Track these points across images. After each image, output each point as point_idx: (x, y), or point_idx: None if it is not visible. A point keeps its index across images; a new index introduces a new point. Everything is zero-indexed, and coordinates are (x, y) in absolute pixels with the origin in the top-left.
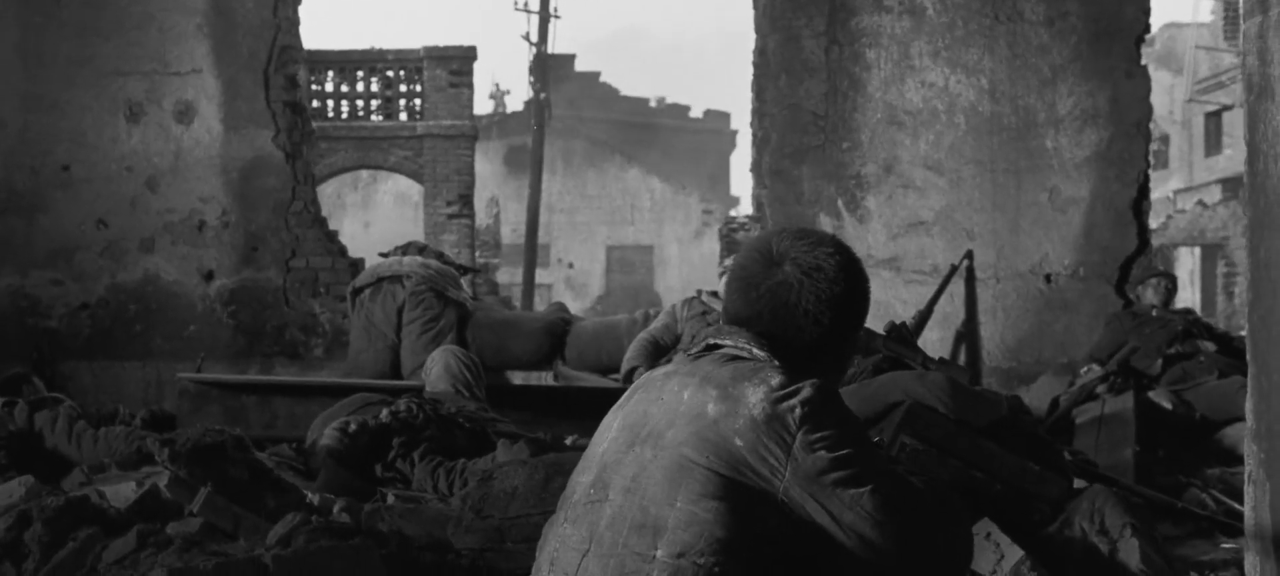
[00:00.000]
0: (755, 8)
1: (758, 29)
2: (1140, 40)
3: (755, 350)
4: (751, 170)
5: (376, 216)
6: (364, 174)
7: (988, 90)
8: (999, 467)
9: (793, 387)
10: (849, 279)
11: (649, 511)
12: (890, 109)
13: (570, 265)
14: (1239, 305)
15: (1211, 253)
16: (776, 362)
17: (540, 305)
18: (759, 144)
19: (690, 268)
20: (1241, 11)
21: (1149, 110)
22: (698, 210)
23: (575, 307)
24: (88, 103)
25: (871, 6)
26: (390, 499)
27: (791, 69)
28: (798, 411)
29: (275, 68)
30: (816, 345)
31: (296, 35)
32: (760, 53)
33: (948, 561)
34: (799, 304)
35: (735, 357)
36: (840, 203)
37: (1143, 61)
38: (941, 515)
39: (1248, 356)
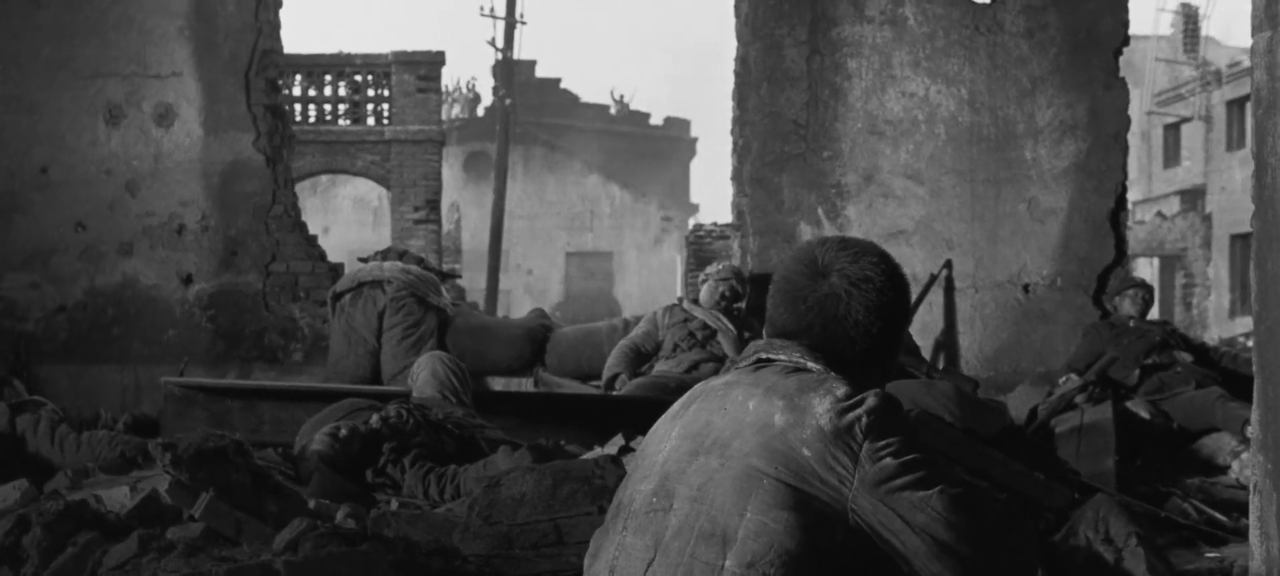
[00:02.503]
0: (737, 16)
1: (739, 38)
2: (1119, 52)
3: (811, 364)
4: (732, 178)
5: (336, 221)
6: (323, 178)
7: (968, 100)
8: (1005, 476)
9: (858, 397)
10: (895, 287)
11: (717, 521)
12: (871, 118)
13: (529, 271)
14: (1196, 315)
15: (1170, 264)
16: (834, 374)
17: (501, 311)
18: (740, 152)
19: (649, 274)
20: (1251, 27)
21: (1127, 122)
22: (657, 217)
23: None
24: (66, 105)
25: (853, 16)
26: (394, 504)
27: (773, 78)
28: (864, 421)
29: (256, 71)
30: (866, 354)
31: (278, 39)
32: (742, 61)
33: (1020, 561)
34: (848, 315)
35: (798, 369)
36: (820, 211)
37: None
38: (1009, 516)
39: (1254, 367)
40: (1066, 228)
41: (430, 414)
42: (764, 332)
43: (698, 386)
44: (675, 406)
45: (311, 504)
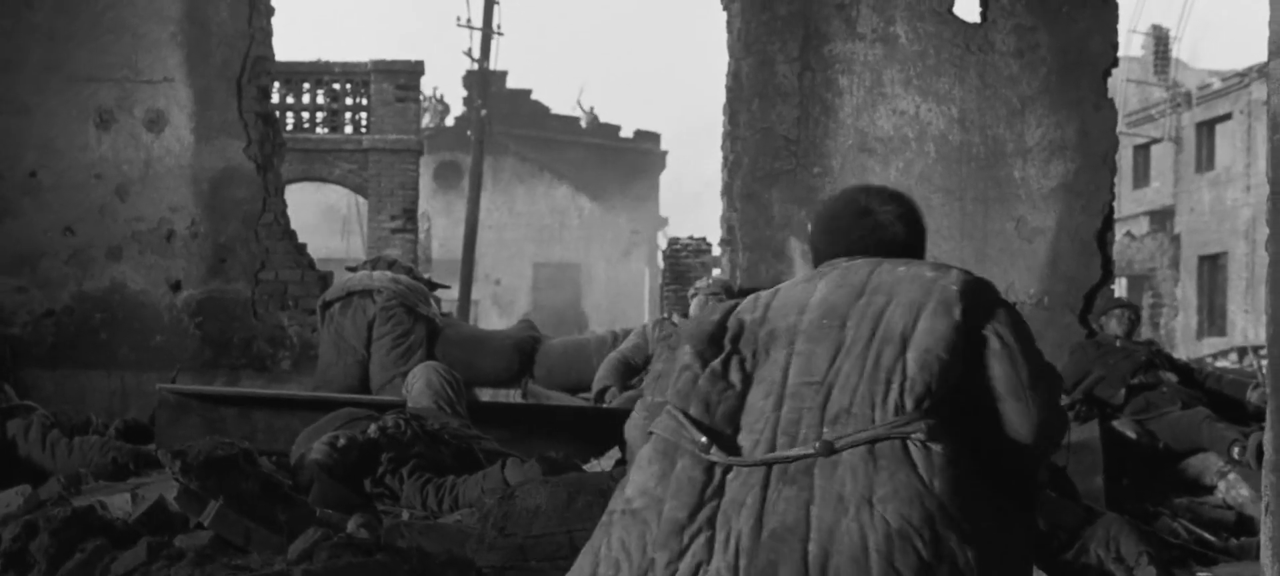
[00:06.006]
0: (729, 32)
1: (732, 53)
2: (1108, 73)
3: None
4: (722, 193)
5: (302, 230)
6: (290, 186)
7: (958, 119)
8: None
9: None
10: (918, 213)
11: (894, 329)
12: (861, 135)
13: (497, 282)
14: (1164, 336)
15: (1138, 283)
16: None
17: (469, 322)
18: (731, 167)
19: (617, 286)
20: (1268, 51)
21: (1115, 142)
22: (626, 230)
23: (501, 325)
24: (57, 109)
25: (845, 33)
26: (406, 515)
27: (764, 93)
28: (984, 286)
29: (248, 78)
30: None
31: (269, 46)
32: (733, 77)
33: (1057, 409)
34: (895, 238)
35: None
36: (810, 227)
37: None
38: (1059, 380)
39: (1268, 389)
40: (1054, 247)
41: (427, 424)
42: (814, 260)
43: (827, 265)
44: (802, 278)
45: (317, 513)
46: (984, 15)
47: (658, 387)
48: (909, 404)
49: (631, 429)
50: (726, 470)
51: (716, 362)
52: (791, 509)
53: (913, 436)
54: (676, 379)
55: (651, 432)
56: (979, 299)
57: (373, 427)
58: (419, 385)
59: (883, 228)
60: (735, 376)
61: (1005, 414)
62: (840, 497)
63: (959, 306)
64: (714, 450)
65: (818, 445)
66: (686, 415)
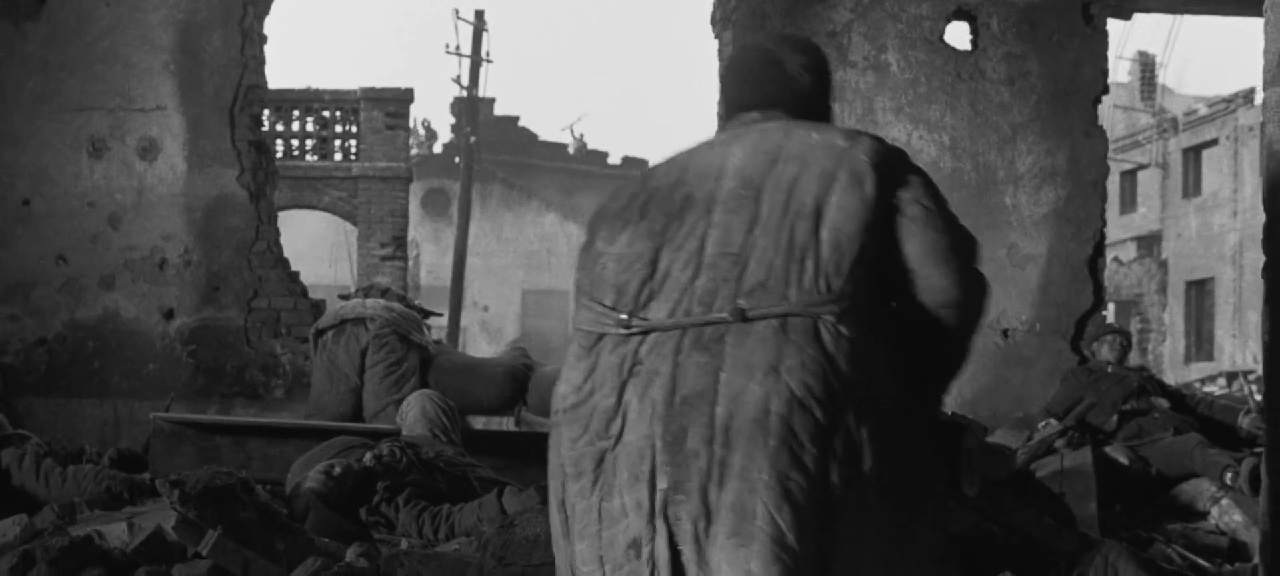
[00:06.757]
0: (720, 59)
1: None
2: (1098, 101)
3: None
4: None
5: (291, 258)
6: (281, 212)
7: (949, 147)
8: (1017, 522)
9: (884, 141)
10: (824, 58)
11: (807, 204)
12: None
13: (485, 308)
14: (1151, 361)
15: (1126, 308)
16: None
17: (458, 349)
18: None
19: None
20: (1263, 81)
21: (1106, 170)
22: None
23: (489, 352)
24: (50, 137)
25: (837, 61)
26: (404, 544)
27: None
28: (894, 151)
29: (241, 107)
30: (816, 111)
31: (262, 75)
32: None
33: (975, 269)
34: (801, 87)
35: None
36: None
37: None
38: (975, 245)
39: (1265, 421)
40: (1045, 273)
41: (422, 452)
42: (726, 112)
43: (728, 131)
44: (712, 141)
45: (315, 543)
46: (975, 43)
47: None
48: (822, 285)
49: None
50: (642, 343)
51: (624, 240)
52: (702, 375)
53: (823, 317)
54: (592, 268)
55: (578, 330)
56: (891, 169)
57: (368, 456)
58: (414, 413)
59: (792, 79)
60: (646, 248)
61: (923, 283)
62: (749, 365)
63: (871, 178)
64: (634, 322)
65: (732, 313)
66: (603, 305)
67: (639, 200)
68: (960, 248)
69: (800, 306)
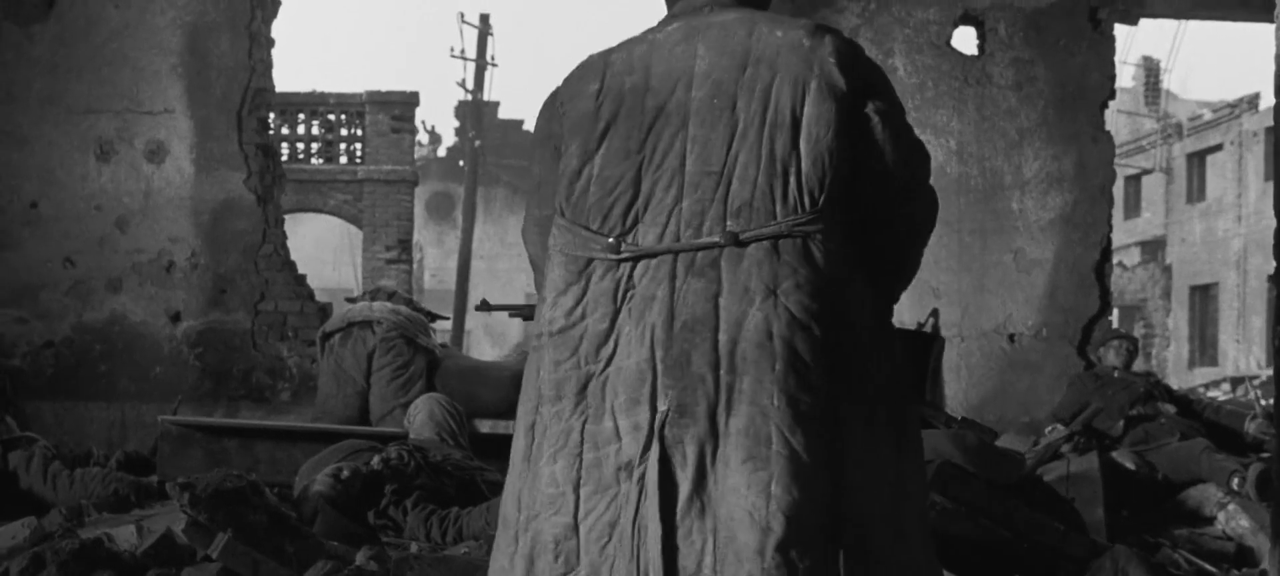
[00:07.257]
0: None
1: None
2: (1104, 106)
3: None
4: None
5: (296, 261)
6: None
7: (956, 151)
8: (1026, 527)
9: (847, 37)
10: None
11: (783, 113)
12: None
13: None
14: (1155, 365)
15: (1130, 313)
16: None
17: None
18: None
19: None
20: (1274, 87)
21: (1112, 175)
22: None
23: (493, 355)
24: (57, 140)
25: None
26: (413, 548)
27: None
28: (861, 53)
29: (248, 110)
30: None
31: (269, 78)
32: None
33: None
34: None
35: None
36: None
37: None
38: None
39: (1275, 422)
40: (1052, 278)
41: (430, 456)
42: None
43: (681, 20)
44: (670, 33)
45: (325, 546)
46: (982, 48)
47: (542, 197)
48: (807, 200)
49: (529, 244)
50: (634, 267)
51: (601, 161)
52: (701, 301)
53: (813, 235)
54: (568, 187)
55: (562, 254)
56: (859, 72)
57: (376, 459)
58: (421, 416)
59: None
60: (627, 169)
61: (888, 183)
62: (746, 289)
63: (842, 83)
64: (624, 247)
65: (724, 236)
66: (589, 230)
67: (606, 102)
68: (913, 158)
69: (790, 226)
